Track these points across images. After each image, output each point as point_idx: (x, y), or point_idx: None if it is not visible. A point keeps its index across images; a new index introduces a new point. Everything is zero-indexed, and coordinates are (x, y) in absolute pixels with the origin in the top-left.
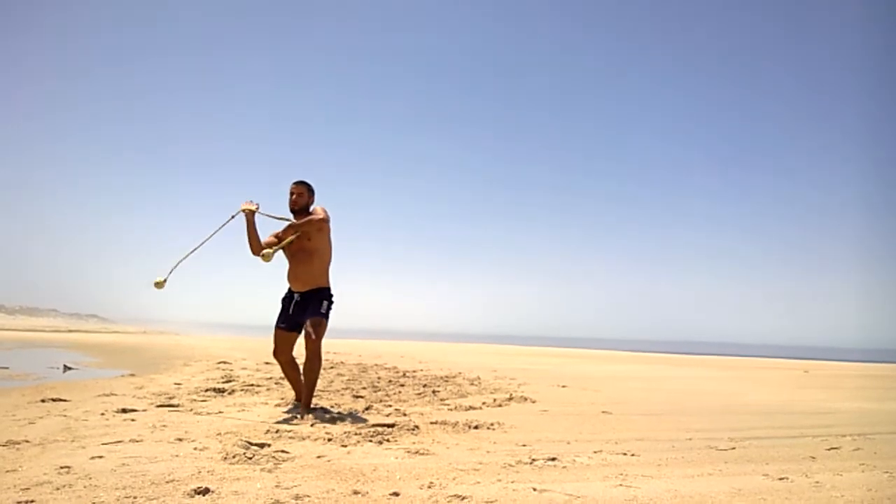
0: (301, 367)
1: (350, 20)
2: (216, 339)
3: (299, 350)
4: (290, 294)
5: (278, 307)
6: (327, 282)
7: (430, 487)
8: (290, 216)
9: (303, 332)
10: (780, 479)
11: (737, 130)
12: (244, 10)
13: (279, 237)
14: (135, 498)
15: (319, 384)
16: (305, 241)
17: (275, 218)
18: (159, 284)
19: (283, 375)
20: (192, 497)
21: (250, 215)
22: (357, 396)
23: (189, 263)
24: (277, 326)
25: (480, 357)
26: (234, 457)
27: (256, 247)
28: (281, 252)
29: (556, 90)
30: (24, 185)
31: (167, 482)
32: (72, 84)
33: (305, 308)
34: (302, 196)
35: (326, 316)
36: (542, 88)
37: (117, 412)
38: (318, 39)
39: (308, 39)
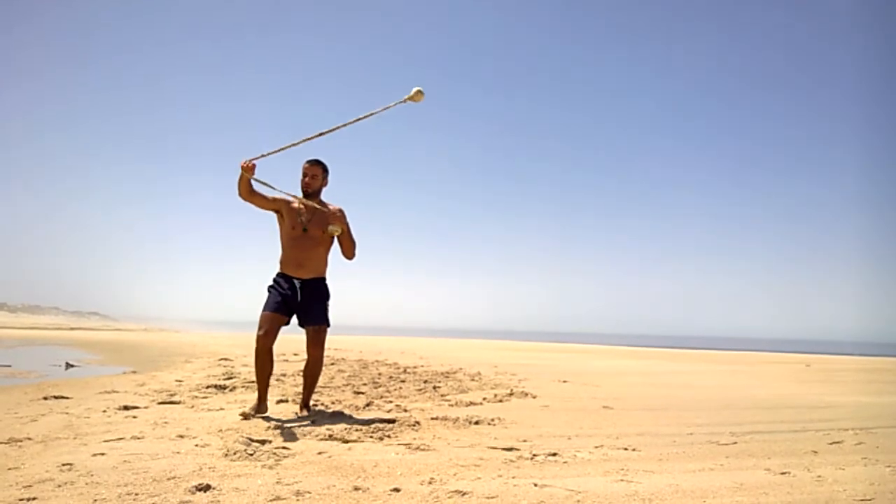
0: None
1: (356, 12)
2: (217, 335)
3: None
4: (287, 279)
5: (274, 293)
6: (326, 271)
7: (430, 483)
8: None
9: (310, 335)
10: (782, 473)
11: (737, 126)
12: (248, 3)
13: (303, 217)
14: (136, 495)
15: (320, 380)
16: (319, 231)
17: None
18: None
19: (283, 372)
20: (194, 494)
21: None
22: (358, 393)
23: (191, 260)
24: (274, 312)
25: (481, 353)
26: (235, 453)
27: (246, 192)
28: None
29: (560, 87)
30: (25, 182)
31: (168, 479)
32: (73, 79)
33: (310, 301)
34: (316, 178)
35: (329, 321)
36: (547, 86)
37: (119, 409)
38: (324, 33)
39: (313, 33)
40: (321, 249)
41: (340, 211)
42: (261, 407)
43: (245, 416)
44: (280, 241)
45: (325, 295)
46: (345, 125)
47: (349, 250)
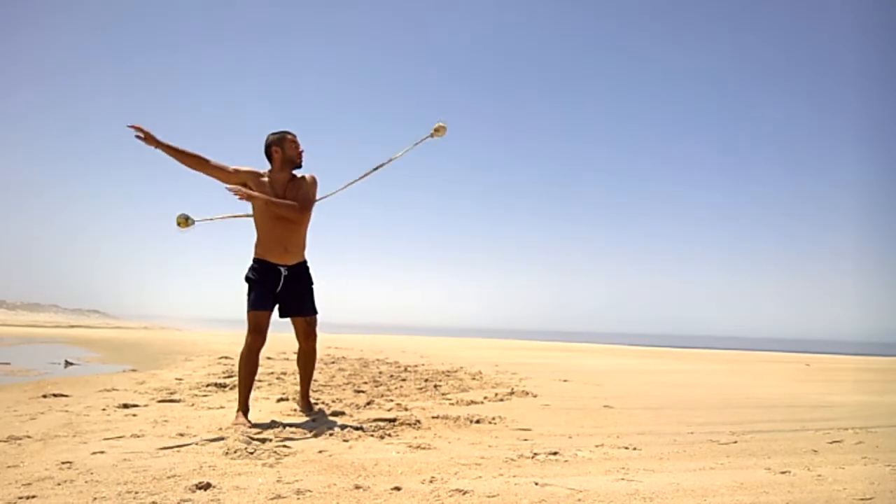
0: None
1: (354, 11)
2: (217, 334)
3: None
4: (270, 267)
5: (259, 286)
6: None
7: (431, 482)
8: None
9: (302, 327)
10: (783, 472)
11: (737, 122)
12: (250, 6)
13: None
14: (136, 493)
15: (321, 379)
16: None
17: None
18: (183, 221)
19: (284, 371)
20: (194, 492)
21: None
22: (358, 391)
23: (191, 258)
24: (265, 310)
25: (482, 352)
26: (235, 452)
27: (194, 164)
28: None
29: (558, 80)
30: (25, 181)
31: (168, 477)
32: (72, 79)
33: (298, 291)
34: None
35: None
36: (544, 79)
37: (119, 407)
38: (322, 32)
39: (311, 32)
40: (303, 228)
41: (313, 178)
42: (247, 413)
43: (244, 423)
44: (255, 223)
45: (311, 281)
46: (364, 176)
47: (289, 213)
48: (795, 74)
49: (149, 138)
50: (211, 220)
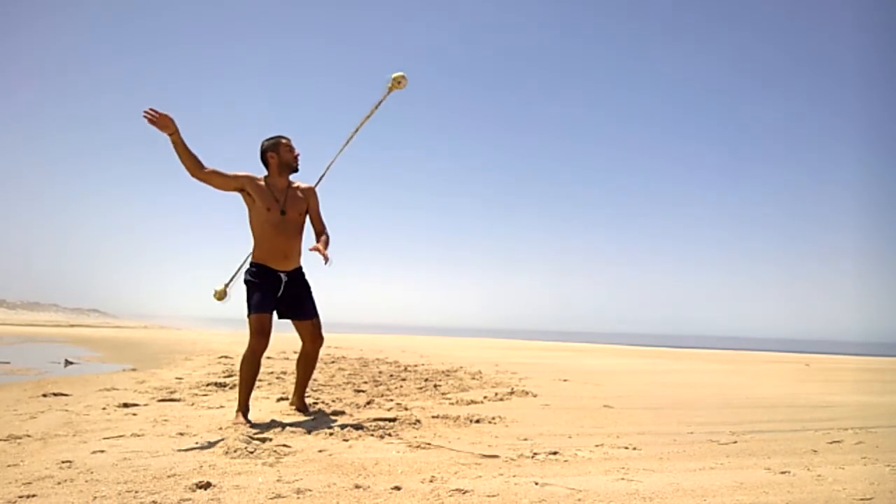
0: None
1: (354, 11)
2: (217, 333)
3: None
4: (270, 272)
5: (259, 290)
6: None
7: (431, 481)
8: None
9: (309, 330)
10: (782, 472)
11: (738, 123)
12: (245, 3)
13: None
14: (136, 492)
15: (321, 378)
16: (297, 215)
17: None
18: (220, 295)
19: (284, 370)
20: (194, 491)
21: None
22: (358, 391)
23: (191, 258)
24: (267, 312)
25: (482, 351)
26: (235, 451)
27: (193, 165)
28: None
29: (558, 82)
30: (25, 180)
31: (169, 476)
32: (73, 79)
33: (300, 295)
34: None
35: None
36: (544, 81)
37: (119, 407)
38: (321, 32)
39: (310, 32)
40: (302, 235)
41: (313, 190)
42: (247, 414)
43: (244, 423)
44: (252, 228)
45: (309, 285)
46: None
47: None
48: (795, 74)
49: (166, 124)
50: (237, 273)
